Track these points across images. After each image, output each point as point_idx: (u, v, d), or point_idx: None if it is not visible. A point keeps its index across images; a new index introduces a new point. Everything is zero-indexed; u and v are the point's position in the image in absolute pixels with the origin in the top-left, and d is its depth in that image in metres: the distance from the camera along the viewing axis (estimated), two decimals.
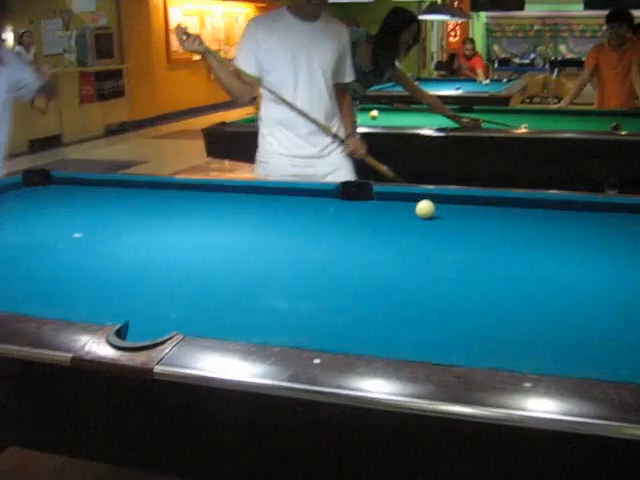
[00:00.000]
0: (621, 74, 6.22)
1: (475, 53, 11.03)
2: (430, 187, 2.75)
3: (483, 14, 19.32)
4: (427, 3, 10.56)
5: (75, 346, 1.39)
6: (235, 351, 1.35)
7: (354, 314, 1.64)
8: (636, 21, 6.67)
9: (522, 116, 5.48)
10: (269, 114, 3.38)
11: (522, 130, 4.53)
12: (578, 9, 18.32)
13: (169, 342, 1.37)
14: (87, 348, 1.38)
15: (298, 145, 3.35)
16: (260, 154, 3.46)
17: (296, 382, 1.26)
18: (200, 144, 4.88)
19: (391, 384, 1.25)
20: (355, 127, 3.69)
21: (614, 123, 4.55)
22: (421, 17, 9.82)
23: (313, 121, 3.29)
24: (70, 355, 1.38)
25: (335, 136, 3.39)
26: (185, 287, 1.82)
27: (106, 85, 11.97)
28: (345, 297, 1.76)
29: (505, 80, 9.83)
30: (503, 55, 19.97)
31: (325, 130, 3.34)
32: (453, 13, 11.61)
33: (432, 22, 18.68)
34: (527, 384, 1.22)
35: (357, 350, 1.35)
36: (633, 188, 3.79)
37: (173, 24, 13.80)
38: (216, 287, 1.83)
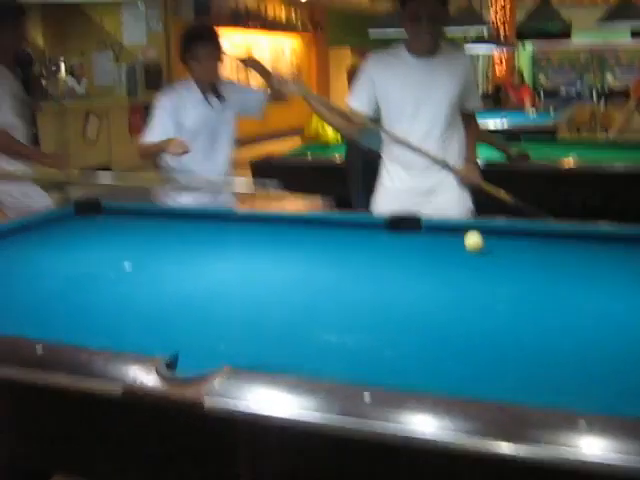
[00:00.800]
0: None
1: (523, 83, 10.98)
2: (479, 219, 2.73)
3: (529, 43, 19.24)
4: (472, 35, 10.53)
5: (126, 377, 1.40)
6: (285, 384, 1.35)
7: (403, 347, 1.63)
8: None
9: (570, 147, 5.43)
10: (386, 150, 3.32)
11: (570, 161, 4.49)
12: (625, 38, 18.24)
13: (219, 375, 1.37)
14: (138, 379, 1.39)
15: (414, 180, 3.25)
16: (379, 190, 3.39)
17: (346, 416, 1.25)
18: (247, 175, 4.91)
19: (441, 421, 1.23)
20: (476, 155, 3.53)
21: None
22: (467, 48, 9.82)
23: (428, 156, 3.17)
24: (121, 386, 1.38)
25: (448, 167, 3.23)
26: (234, 319, 1.83)
27: None
28: (393, 330, 1.74)
29: (552, 110, 9.76)
30: (550, 85, 19.83)
31: (440, 163, 3.20)
32: (499, 43, 11.57)
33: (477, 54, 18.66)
34: (582, 423, 1.19)
35: (406, 384, 1.34)
36: None
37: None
38: (264, 319, 1.83)
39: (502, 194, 3.38)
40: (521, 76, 10.94)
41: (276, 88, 3.38)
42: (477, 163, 3.44)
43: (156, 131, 3.52)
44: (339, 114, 3.26)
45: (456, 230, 2.53)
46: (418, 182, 3.22)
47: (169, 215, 3.03)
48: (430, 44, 3.11)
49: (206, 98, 3.58)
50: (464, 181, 3.27)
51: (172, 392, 1.35)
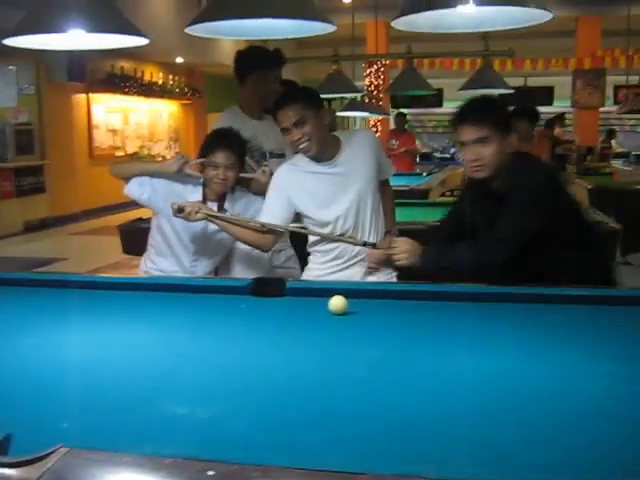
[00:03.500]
0: None
1: (404, 130, 11.01)
2: (342, 282, 2.72)
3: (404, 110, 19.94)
4: (347, 101, 10.83)
5: None
6: (124, 464, 1.26)
7: (256, 418, 1.56)
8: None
9: (441, 208, 5.56)
10: (311, 244, 3.25)
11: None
12: None
13: (52, 456, 1.27)
14: None
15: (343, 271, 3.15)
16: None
17: None
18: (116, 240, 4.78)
19: None
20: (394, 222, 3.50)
21: None
22: (341, 113, 10.06)
23: (351, 241, 3.09)
24: None
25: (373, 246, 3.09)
26: (81, 392, 1.72)
27: (26, 181, 11.79)
28: (249, 399, 1.68)
29: (425, 174, 10.05)
30: (424, 150, 20.52)
31: (367, 245, 3.09)
32: (372, 110, 11.91)
33: (355, 118, 19.18)
34: None
35: (256, 458, 1.28)
36: None
37: (96, 120, 13.84)
38: (114, 392, 1.73)
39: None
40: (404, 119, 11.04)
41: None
42: (396, 232, 3.38)
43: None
44: (251, 228, 3.14)
45: (320, 294, 2.51)
46: (348, 273, 3.14)
47: (28, 284, 2.88)
48: (312, 149, 3.03)
49: (204, 202, 3.31)
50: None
51: None
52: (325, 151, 3.07)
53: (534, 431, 1.49)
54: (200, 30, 2.94)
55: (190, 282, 2.86)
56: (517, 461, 1.35)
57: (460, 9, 2.65)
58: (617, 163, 14.77)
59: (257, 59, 3.90)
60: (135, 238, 4.53)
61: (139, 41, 2.75)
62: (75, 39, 2.78)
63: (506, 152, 2.73)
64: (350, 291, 2.51)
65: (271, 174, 3.24)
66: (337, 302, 2.38)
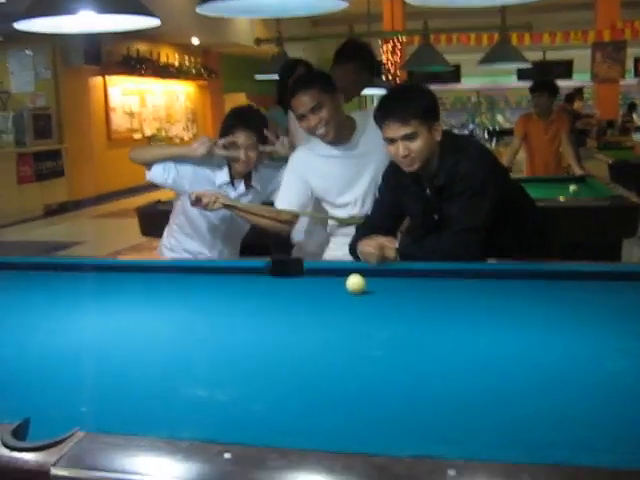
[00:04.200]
0: (548, 143, 6.38)
1: None
2: (360, 262, 2.70)
3: None
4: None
5: None
6: (140, 447, 1.25)
7: (273, 400, 1.55)
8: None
9: None
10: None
11: None
12: (512, 80, 18.96)
13: (69, 440, 1.27)
14: None
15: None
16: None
17: (206, 477, 1.17)
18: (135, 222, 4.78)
19: (308, 477, 1.17)
20: None
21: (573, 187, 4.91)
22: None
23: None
24: None
25: None
26: (97, 377, 1.72)
27: (45, 165, 11.84)
28: (266, 382, 1.67)
29: None
30: (443, 127, 20.34)
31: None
32: (389, 87, 11.79)
33: (372, 96, 19.07)
34: (451, 472, 1.14)
35: (273, 440, 1.27)
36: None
37: (113, 103, 13.85)
38: (131, 375, 1.72)
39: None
40: None
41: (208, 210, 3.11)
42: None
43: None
44: (268, 216, 3.16)
45: (338, 273, 2.49)
46: None
47: (41, 267, 2.88)
48: (330, 134, 3.01)
49: (232, 182, 3.31)
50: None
51: (15, 462, 1.24)
52: (342, 134, 3.05)
53: (554, 410, 1.47)
54: (210, 9, 2.90)
55: (208, 264, 2.85)
56: (537, 440, 1.34)
57: None
58: (639, 137, 14.59)
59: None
60: (153, 220, 4.55)
61: (151, 22, 2.72)
62: (86, 21, 2.76)
63: (436, 140, 2.66)
64: (368, 270, 2.50)
65: (292, 148, 3.22)
66: (355, 281, 2.36)
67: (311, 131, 3.02)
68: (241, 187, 3.30)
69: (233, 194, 3.28)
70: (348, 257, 2.94)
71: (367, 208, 3.08)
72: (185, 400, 1.57)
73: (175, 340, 2.01)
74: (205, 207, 3.01)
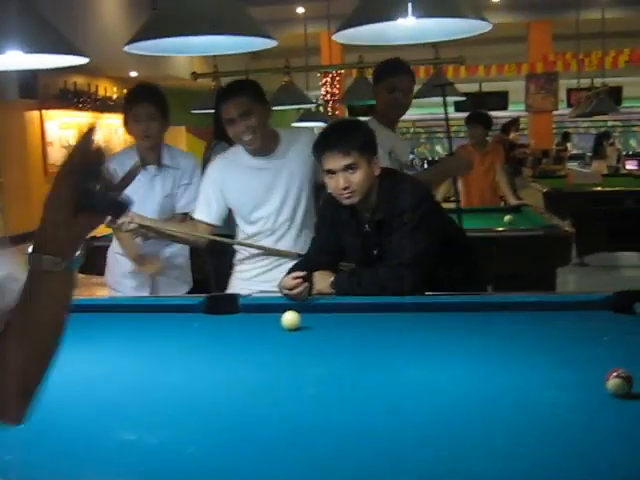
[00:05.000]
0: (484, 173, 6.49)
1: None
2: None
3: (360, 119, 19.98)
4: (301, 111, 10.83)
5: None
6: None
7: (207, 443, 1.54)
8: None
9: None
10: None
11: None
12: (449, 111, 19.31)
13: None
14: None
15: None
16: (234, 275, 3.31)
17: None
18: None
19: None
20: None
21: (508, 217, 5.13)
22: (296, 124, 10.06)
23: (281, 253, 3.13)
24: None
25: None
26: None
27: None
28: (199, 424, 1.65)
29: None
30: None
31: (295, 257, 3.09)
32: (327, 120, 11.88)
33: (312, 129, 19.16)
34: None
35: None
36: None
37: (50, 137, 13.67)
38: (58, 420, 1.67)
39: None
40: None
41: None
42: None
43: None
44: (184, 238, 3.23)
45: (274, 309, 2.48)
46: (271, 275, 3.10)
47: None
48: (256, 142, 3.04)
49: (144, 165, 3.35)
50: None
51: None
52: (267, 146, 3.10)
53: (485, 442, 1.49)
54: (138, 48, 2.89)
55: (142, 302, 2.81)
56: (471, 474, 1.35)
57: (400, 22, 2.64)
58: (573, 165, 14.98)
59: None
60: (89, 256, 4.46)
61: (78, 60, 2.71)
62: (14, 59, 2.73)
63: (375, 174, 2.68)
64: (304, 306, 2.50)
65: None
66: (290, 317, 2.36)
67: (238, 137, 3.05)
68: (152, 169, 3.39)
69: (146, 177, 3.35)
70: (262, 276, 3.04)
71: (281, 222, 3.12)
72: (115, 444, 1.54)
73: (102, 383, 1.98)
74: (120, 228, 3.01)
